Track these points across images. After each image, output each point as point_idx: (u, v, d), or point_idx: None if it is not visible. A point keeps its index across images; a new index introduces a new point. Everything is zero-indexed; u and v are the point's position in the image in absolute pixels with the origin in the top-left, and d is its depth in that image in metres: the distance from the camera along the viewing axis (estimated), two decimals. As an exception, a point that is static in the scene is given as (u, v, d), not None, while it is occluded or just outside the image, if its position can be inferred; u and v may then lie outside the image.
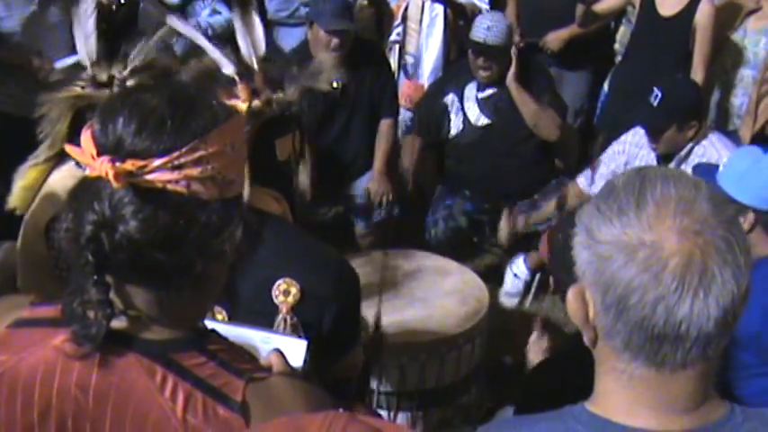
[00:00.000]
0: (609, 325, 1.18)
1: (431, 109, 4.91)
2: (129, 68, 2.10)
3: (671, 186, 1.17)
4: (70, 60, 4.37)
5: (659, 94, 3.84)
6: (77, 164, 2.09)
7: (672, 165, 3.91)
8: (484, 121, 4.72)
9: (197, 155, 1.27)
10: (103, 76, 2.06)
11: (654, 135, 3.90)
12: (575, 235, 1.22)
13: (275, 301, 1.95)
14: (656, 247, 1.12)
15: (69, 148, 1.34)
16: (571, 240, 1.23)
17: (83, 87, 1.99)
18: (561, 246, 2.81)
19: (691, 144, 3.89)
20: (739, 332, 2.56)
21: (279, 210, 2.07)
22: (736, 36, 4.98)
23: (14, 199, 2.31)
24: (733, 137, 4.38)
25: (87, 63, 1.89)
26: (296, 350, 1.85)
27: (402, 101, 5.12)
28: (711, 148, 3.88)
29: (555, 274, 2.81)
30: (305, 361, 1.84)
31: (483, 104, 4.71)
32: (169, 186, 1.25)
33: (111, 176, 1.22)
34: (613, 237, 1.15)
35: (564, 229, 2.83)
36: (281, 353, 1.49)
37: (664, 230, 1.13)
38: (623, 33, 5.64)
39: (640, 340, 1.15)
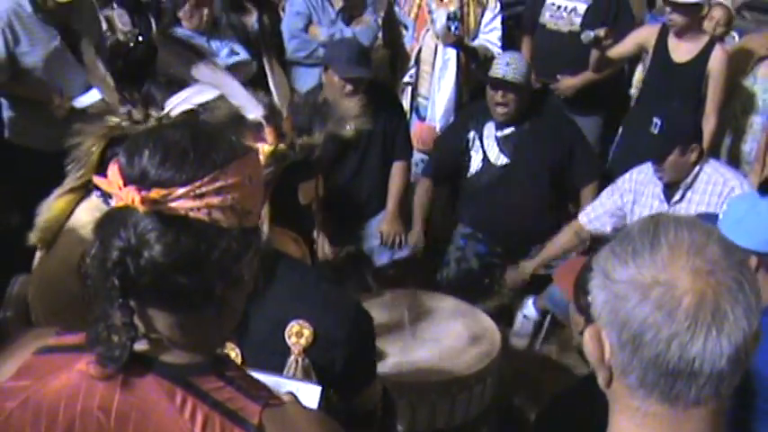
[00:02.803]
0: (624, 362, 1.20)
1: (450, 146, 4.94)
2: (166, 110, 2.15)
3: (684, 231, 1.20)
4: (87, 97, 4.44)
5: (659, 122, 3.89)
6: (104, 199, 2.13)
7: (678, 192, 3.96)
8: (503, 160, 4.76)
9: (217, 185, 1.33)
10: (139, 115, 2.11)
11: (659, 163, 3.93)
12: (591, 278, 1.25)
13: (288, 342, 1.98)
14: (670, 286, 1.15)
15: (97, 179, 1.40)
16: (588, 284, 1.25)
17: (117, 124, 2.04)
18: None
19: (695, 169, 3.93)
20: (753, 378, 2.58)
21: (298, 252, 2.10)
22: (747, 82, 5.03)
23: (38, 232, 2.34)
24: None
25: (116, 102, 1.93)
26: (310, 396, 1.86)
27: (414, 142, 5.14)
28: (716, 173, 3.94)
29: (585, 312, 2.80)
30: (319, 406, 1.86)
31: (502, 143, 4.75)
32: (191, 214, 1.31)
33: (137, 202, 1.28)
34: (629, 277, 1.18)
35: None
36: (294, 395, 1.52)
37: (677, 270, 1.16)
38: (638, 79, 5.68)
39: (655, 377, 1.17)
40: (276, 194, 1.98)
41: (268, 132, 2.00)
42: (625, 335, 1.18)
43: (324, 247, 4.35)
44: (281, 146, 2.02)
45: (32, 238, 2.38)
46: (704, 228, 1.22)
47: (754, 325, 1.16)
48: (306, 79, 5.23)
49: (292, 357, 1.98)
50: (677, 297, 1.14)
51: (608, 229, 4.33)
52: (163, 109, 2.11)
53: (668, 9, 4.91)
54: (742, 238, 2.67)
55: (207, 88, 2.04)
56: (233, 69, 4.71)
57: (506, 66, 4.60)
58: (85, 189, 2.32)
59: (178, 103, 2.08)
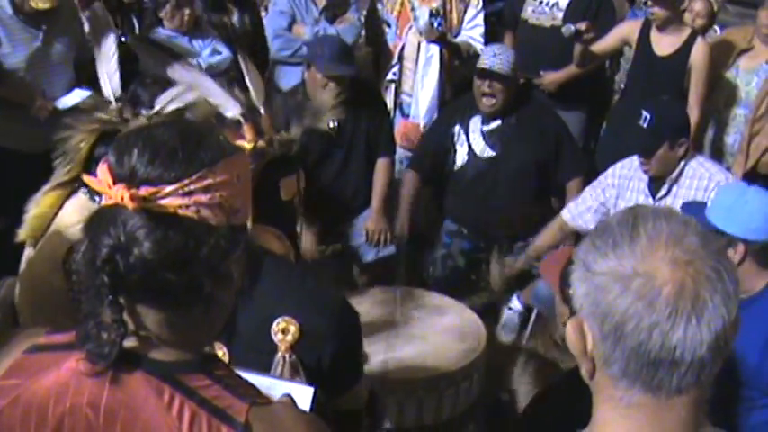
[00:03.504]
0: (607, 353, 1.21)
1: (436, 140, 4.93)
2: (156, 109, 2.15)
3: (662, 222, 1.21)
4: (70, 98, 4.42)
5: (648, 116, 3.89)
6: (91, 197, 2.13)
7: (664, 187, 3.97)
8: (489, 153, 4.75)
9: (206, 183, 1.34)
10: (129, 113, 2.12)
11: (647, 156, 3.93)
12: (572, 271, 1.27)
13: (274, 339, 1.98)
14: (650, 277, 1.17)
15: (87, 179, 1.41)
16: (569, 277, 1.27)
17: (106, 119, 2.05)
18: None
19: (681, 164, 3.94)
20: (740, 368, 2.61)
21: (281, 248, 2.11)
22: (729, 75, 5.05)
23: (25, 229, 2.35)
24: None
25: (112, 98, 1.93)
26: (302, 397, 1.87)
27: (398, 139, 5.16)
28: (701, 168, 3.94)
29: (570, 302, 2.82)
30: (311, 407, 1.87)
31: (488, 137, 4.74)
32: (180, 211, 1.33)
33: (126, 200, 1.30)
34: (609, 268, 1.20)
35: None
36: (291, 398, 1.52)
37: (656, 261, 1.17)
38: (622, 74, 5.70)
39: (637, 366, 1.19)
40: (258, 191, 1.97)
41: (246, 130, 2.01)
42: (607, 326, 1.19)
43: (306, 242, 4.34)
44: (261, 143, 2.03)
45: (21, 234, 2.39)
46: (682, 218, 1.24)
47: (733, 312, 1.18)
48: (290, 78, 5.22)
49: (279, 354, 1.99)
50: (657, 287, 1.16)
51: (590, 226, 4.32)
52: (151, 108, 2.12)
53: (649, 2, 4.93)
54: (730, 226, 2.71)
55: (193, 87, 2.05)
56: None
57: (493, 56, 4.61)
58: (73, 185, 2.33)
59: (168, 102, 2.09)
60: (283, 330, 1.98)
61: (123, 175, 1.33)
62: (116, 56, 2.03)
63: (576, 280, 1.25)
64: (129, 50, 4.66)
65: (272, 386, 1.84)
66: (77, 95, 4.47)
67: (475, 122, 4.77)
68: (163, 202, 1.32)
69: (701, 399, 1.23)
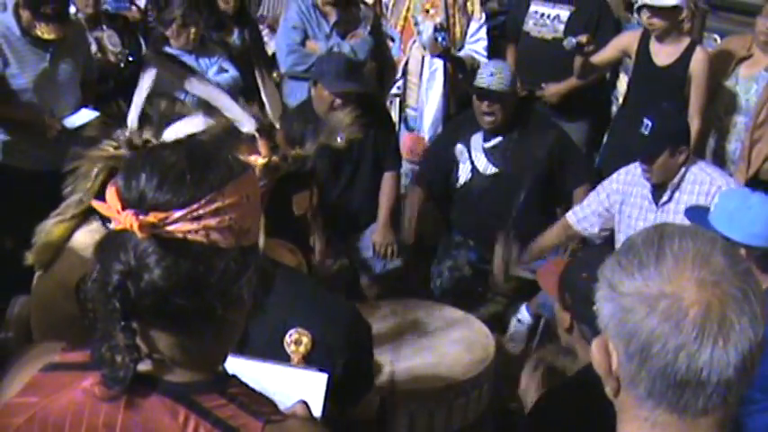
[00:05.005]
0: (632, 373, 1.22)
1: (438, 159, 4.97)
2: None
3: (688, 241, 1.22)
4: (77, 117, 4.46)
5: (649, 123, 3.92)
6: (103, 222, 2.14)
7: (666, 193, 4.00)
8: (492, 170, 4.79)
9: (215, 206, 1.34)
10: (138, 141, 2.14)
11: (648, 163, 3.96)
12: (597, 289, 1.27)
13: (287, 350, 2.00)
14: (677, 298, 1.17)
15: (96, 204, 1.42)
16: (594, 283, 1.28)
17: (116, 148, 2.06)
18: (583, 283, 2.84)
19: (682, 170, 3.97)
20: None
21: (294, 261, 2.13)
22: (729, 83, 5.06)
23: (35, 254, 2.35)
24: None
25: (130, 126, 1.95)
26: (316, 383, 1.90)
27: (403, 153, 5.17)
28: (702, 173, 3.97)
29: (571, 308, 2.84)
30: (326, 394, 1.90)
31: (490, 154, 4.78)
32: (189, 236, 1.33)
33: (135, 228, 1.30)
34: (635, 289, 1.20)
35: (582, 266, 2.83)
36: (306, 404, 1.55)
37: (683, 282, 1.18)
38: (621, 85, 5.72)
39: (663, 387, 1.19)
40: (271, 206, 2.00)
41: (261, 145, 2.03)
42: (633, 347, 1.20)
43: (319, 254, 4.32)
44: (274, 158, 2.05)
45: (30, 258, 2.39)
46: (707, 236, 1.24)
47: (759, 334, 1.19)
48: (299, 93, 5.18)
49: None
50: (684, 308, 1.16)
51: (596, 229, 4.36)
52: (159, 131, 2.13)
53: (647, 13, 4.95)
54: (733, 231, 2.73)
55: (194, 119, 2.06)
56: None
57: (491, 76, 4.64)
58: (85, 215, 2.33)
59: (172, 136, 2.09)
60: (296, 342, 2.00)
61: (132, 199, 1.34)
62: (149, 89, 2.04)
63: (600, 299, 1.26)
64: (137, 70, 4.73)
65: (288, 375, 1.87)
66: (85, 115, 4.51)
67: (476, 139, 4.81)
68: (171, 228, 1.32)
69: (727, 419, 1.24)
